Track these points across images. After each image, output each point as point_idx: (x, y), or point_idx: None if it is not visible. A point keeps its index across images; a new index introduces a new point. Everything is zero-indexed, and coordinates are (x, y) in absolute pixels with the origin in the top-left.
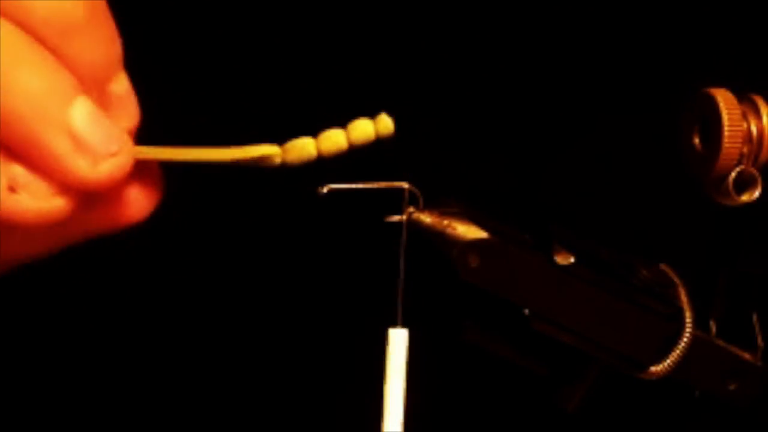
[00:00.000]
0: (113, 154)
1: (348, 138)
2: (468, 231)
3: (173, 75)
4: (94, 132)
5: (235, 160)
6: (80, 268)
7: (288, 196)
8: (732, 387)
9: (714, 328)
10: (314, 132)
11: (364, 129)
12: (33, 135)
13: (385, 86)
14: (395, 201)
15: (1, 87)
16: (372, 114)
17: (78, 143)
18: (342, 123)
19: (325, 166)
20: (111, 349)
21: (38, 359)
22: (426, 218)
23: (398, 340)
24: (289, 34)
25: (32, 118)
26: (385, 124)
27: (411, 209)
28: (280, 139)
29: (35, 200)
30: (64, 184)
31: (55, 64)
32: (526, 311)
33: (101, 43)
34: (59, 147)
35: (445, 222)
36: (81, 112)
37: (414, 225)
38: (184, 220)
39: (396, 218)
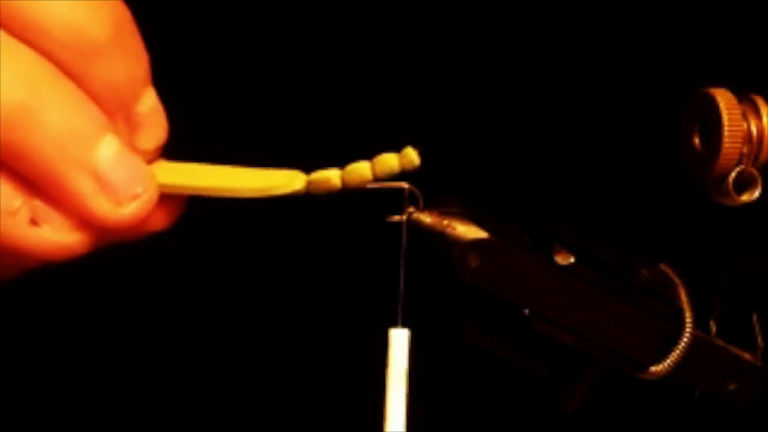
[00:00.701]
0: (137, 196)
1: (373, 171)
2: (468, 231)
3: (198, 95)
4: (119, 173)
5: (261, 195)
6: (81, 269)
7: (288, 195)
8: (732, 387)
9: (714, 328)
10: (322, 136)
11: (388, 162)
12: (57, 174)
13: (385, 87)
14: (395, 201)
15: (26, 126)
16: (393, 137)
17: (102, 184)
18: (345, 127)
19: (326, 164)
20: (119, 354)
21: (39, 361)
22: (426, 218)
23: (399, 340)
24: (289, 31)
25: (56, 158)
26: (411, 159)
27: (411, 209)
28: (296, 143)
29: (56, 234)
30: (85, 220)
31: (81, 99)
32: (526, 311)
33: (127, 63)
34: (83, 187)
35: (445, 222)
36: (107, 153)
37: (414, 225)
38: (184, 223)
39: (396, 218)
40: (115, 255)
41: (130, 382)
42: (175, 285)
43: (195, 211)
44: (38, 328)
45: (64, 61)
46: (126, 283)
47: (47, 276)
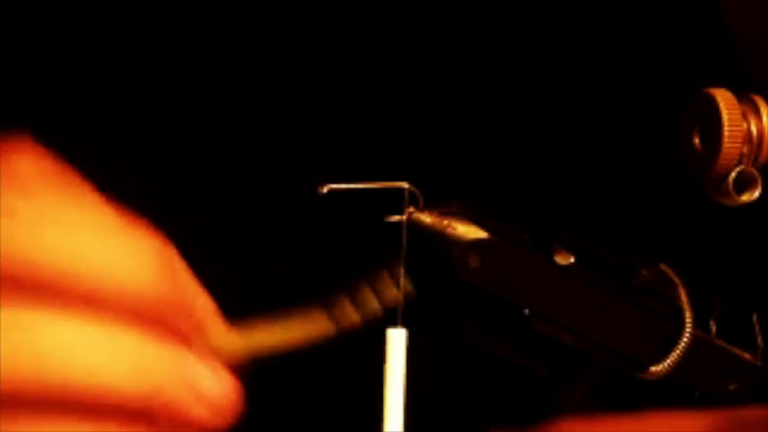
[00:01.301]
0: (227, 403)
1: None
2: (468, 231)
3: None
4: (214, 389)
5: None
6: None
7: (288, 195)
8: (732, 387)
9: (714, 328)
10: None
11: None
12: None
13: (385, 86)
14: (395, 201)
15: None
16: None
17: (201, 400)
18: (345, 126)
19: (325, 165)
20: None
21: None
22: (426, 218)
23: (397, 339)
24: (289, 34)
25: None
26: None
27: (411, 209)
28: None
29: None
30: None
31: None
32: (526, 311)
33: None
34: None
35: (445, 222)
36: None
37: (414, 225)
38: (184, 225)
39: (396, 218)
40: None
41: None
42: None
43: (197, 213)
44: None
45: None
46: None
47: None
